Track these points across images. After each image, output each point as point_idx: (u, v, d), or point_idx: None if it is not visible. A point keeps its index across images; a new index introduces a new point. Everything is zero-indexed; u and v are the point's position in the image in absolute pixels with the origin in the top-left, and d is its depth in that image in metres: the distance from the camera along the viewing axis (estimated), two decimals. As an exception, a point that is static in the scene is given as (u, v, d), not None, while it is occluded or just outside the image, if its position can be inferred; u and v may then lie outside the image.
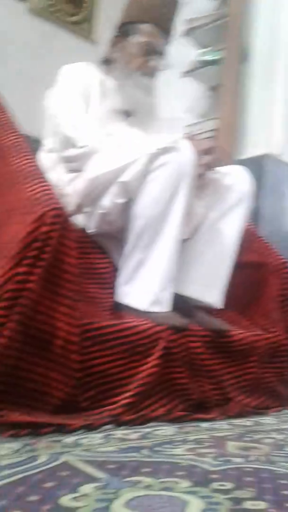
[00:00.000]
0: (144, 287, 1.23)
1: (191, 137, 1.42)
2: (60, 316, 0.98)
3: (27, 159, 1.12)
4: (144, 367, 1.10)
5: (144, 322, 1.15)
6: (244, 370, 1.34)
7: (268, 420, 1.21)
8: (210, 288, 1.41)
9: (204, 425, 1.08)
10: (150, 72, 1.54)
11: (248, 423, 1.14)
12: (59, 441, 0.83)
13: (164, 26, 1.52)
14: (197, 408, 1.19)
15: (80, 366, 1.01)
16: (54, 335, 0.98)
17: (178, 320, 1.20)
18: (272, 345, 1.45)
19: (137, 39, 1.51)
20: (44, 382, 0.96)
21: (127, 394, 1.05)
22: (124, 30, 1.54)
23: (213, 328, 1.29)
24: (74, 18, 2.62)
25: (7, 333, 0.91)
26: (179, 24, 2.53)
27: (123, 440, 0.87)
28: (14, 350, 0.93)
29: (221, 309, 1.45)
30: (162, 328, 1.15)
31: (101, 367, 1.05)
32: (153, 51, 1.52)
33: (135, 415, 1.04)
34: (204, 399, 1.20)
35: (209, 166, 1.39)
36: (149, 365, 1.10)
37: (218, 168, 1.50)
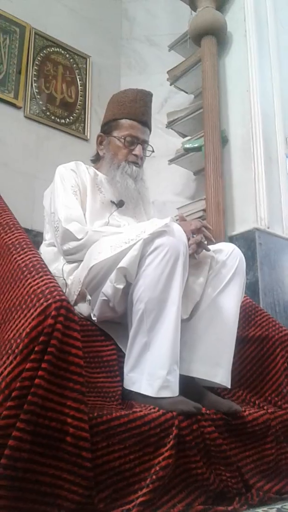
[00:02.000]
0: (151, 372, 1.21)
1: (181, 218, 1.49)
2: (69, 411, 0.95)
3: (30, 255, 1.15)
4: (158, 459, 1.05)
5: (154, 410, 1.12)
6: (261, 453, 1.28)
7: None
8: (217, 367, 1.39)
9: (227, 518, 1.02)
10: (136, 161, 1.66)
11: (271, 511, 1.08)
12: None
13: (141, 119, 1.68)
14: (217, 498, 1.12)
15: (92, 464, 0.96)
16: (63, 431, 0.94)
17: (189, 405, 1.17)
18: (287, 423, 1.40)
19: (119, 133, 1.66)
20: (57, 485, 0.92)
21: (143, 491, 1.00)
22: (107, 128, 1.70)
23: (225, 410, 1.25)
24: (66, 120, 2.82)
25: (16, 434, 0.88)
26: (162, 118, 2.74)
27: None
28: (24, 452, 0.89)
29: (230, 389, 1.43)
30: (173, 414, 1.12)
31: (114, 463, 1.01)
32: (135, 142, 1.65)
33: (154, 513, 0.98)
34: (223, 489, 1.14)
35: (201, 245, 1.44)
36: (163, 456, 1.05)
37: (210, 246, 1.55)
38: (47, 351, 0.95)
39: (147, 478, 1.03)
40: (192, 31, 2.65)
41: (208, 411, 1.21)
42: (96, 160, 1.77)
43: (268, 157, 2.47)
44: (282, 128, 2.60)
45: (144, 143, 1.69)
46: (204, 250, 1.46)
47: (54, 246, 1.58)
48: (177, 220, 1.48)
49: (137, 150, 1.65)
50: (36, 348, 0.95)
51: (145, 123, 1.69)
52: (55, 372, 0.96)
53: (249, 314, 1.66)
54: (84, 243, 1.44)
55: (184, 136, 2.81)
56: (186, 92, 2.89)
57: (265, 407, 1.41)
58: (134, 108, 1.66)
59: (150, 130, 1.73)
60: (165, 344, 1.22)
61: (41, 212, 1.74)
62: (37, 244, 1.73)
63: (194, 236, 1.43)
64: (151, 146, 1.73)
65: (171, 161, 2.72)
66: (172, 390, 1.20)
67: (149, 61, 3.15)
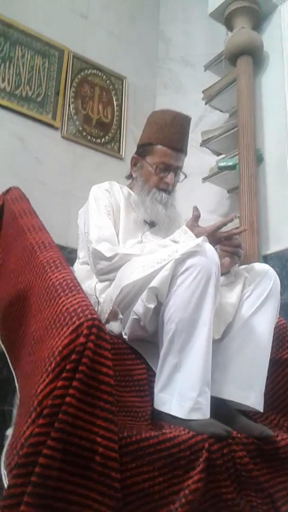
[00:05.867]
0: (181, 393, 1.21)
1: (195, 218, 1.49)
2: (98, 430, 0.96)
3: (64, 273, 1.17)
4: (188, 482, 1.04)
5: (184, 432, 1.11)
6: (294, 480, 1.25)
7: None
8: (249, 390, 1.36)
9: None
10: (166, 188, 1.66)
11: None
12: None
13: (176, 146, 1.65)
14: (248, 526, 1.10)
15: (121, 485, 0.96)
16: (93, 451, 0.95)
17: (220, 428, 1.16)
18: None
19: (152, 160, 1.66)
20: (85, 504, 0.92)
21: (172, 515, 0.99)
22: (142, 151, 1.70)
23: (257, 435, 1.23)
24: (102, 140, 2.88)
25: (47, 452, 0.89)
26: (197, 136, 2.76)
27: None
28: (54, 470, 0.90)
29: (262, 412, 1.40)
30: (204, 437, 1.11)
31: (143, 484, 1.00)
32: (167, 170, 1.65)
33: (182, 539, 0.97)
34: (254, 516, 1.11)
35: (233, 262, 1.44)
36: (192, 480, 1.04)
37: (243, 266, 1.54)
38: (78, 369, 0.96)
39: (176, 501, 1.02)
40: (228, 51, 2.67)
41: (239, 435, 1.19)
42: (130, 177, 1.79)
43: (304, 176, 2.44)
44: None
45: (177, 169, 1.68)
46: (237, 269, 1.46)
47: (88, 264, 1.60)
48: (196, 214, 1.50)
49: (169, 178, 1.65)
50: (67, 367, 0.96)
51: (180, 150, 1.67)
52: (86, 391, 0.96)
53: (283, 336, 1.62)
54: (115, 264, 1.46)
55: (218, 154, 2.82)
56: (221, 111, 2.90)
57: (299, 433, 1.37)
58: (170, 133, 1.64)
59: (186, 154, 1.71)
60: (196, 365, 1.21)
61: (76, 229, 1.77)
62: (72, 261, 1.77)
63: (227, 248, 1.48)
64: (183, 173, 1.72)
65: (205, 179, 2.73)
66: (203, 413, 1.19)
67: (184, 81, 3.19)
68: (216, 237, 1.46)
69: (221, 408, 1.32)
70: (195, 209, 1.52)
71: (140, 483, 1.00)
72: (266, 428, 1.27)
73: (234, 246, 1.49)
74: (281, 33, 2.64)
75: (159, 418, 1.24)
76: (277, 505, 1.17)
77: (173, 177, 1.66)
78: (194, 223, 1.50)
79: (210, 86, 2.83)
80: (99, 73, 2.99)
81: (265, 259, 2.32)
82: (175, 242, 1.47)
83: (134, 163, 1.73)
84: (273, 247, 2.36)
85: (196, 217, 1.51)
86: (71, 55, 2.87)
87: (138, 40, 3.24)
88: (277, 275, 1.51)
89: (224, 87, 2.75)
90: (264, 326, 1.44)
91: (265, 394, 1.39)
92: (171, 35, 3.34)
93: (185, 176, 1.73)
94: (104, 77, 3.01)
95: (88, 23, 3.03)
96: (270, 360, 1.43)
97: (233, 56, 2.66)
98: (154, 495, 1.01)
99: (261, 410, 1.37)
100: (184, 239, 1.44)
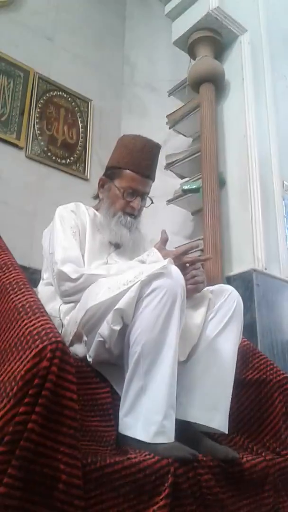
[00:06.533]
0: (146, 417, 1.19)
1: (163, 241, 1.51)
2: (62, 457, 0.93)
3: (27, 295, 1.15)
4: (153, 508, 1.02)
5: (150, 456, 1.09)
6: (259, 502, 1.25)
7: None
8: (214, 411, 1.37)
9: None
10: (132, 213, 1.67)
11: None
12: None
13: (144, 173, 1.67)
14: None
15: (85, 513, 0.93)
16: (56, 478, 0.92)
17: (185, 451, 1.15)
18: (285, 470, 1.37)
19: (120, 183, 1.67)
20: (47, 536, 0.89)
21: None
22: (110, 173, 1.71)
23: (222, 457, 1.22)
24: (67, 161, 2.88)
25: (8, 481, 0.86)
26: (162, 160, 2.80)
27: None
28: (14, 499, 0.86)
29: (227, 434, 1.40)
30: (169, 461, 1.09)
31: (107, 512, 0.98)
32: (134, 194, 1.66)
33: None
34: None
35: (197, 284, 1.46)
36: (158, 505, 1.02)
37: (207, 288, 1.56)
38: (41, 394, 0.93)
39: (141, 530, 1.00)
40: (191, 78, 2.75)
41: (204, 458, 1.19)
42: (96, 198, 1.79)
43: (265, 199, 2.51)
44: (279, 171, 2.66)
45: (144, 194, 1.69)
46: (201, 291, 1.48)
47: (52, 285, 1.58)
48: (164, 237, 1.51)
49: (135, 203, 1.66)
50: (30, 392, 0.93)
51: (148, 176, 1.69)
52: (49, 416, 0.94)
53: (247, 357, 1.64)
54: (80, 285, 1.44)
55: (182, 177, 2.87)
56: (185, 136, 2.97)
57: (263, 454, 1.38)
58: (140, 159, 1.66)
59: (153, 181, 1.73)
60: (162, 388, 1.20)
61: (40, 250, 1.75)
62: (35, 282, 1.73)
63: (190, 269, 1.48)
64: (150, 198, 1.74)
65: (169, 201, 2.77)
66: (168, 436, 1.18)
67: (149, 106, 3.26)
68: (181, 261, 1.47)
69: (186, 431, 1.31)
70: (163, 232, 1.54)
71: (105, 511, 0.97)
72: (231, 450, 1.27)
73: (197, 282, 1.49)
74: (241, 62, 2.75)
75: (124, 443, 1.22)
76: (242, 529, 1.16)
77: (139, 202, 1.67)
78: (162, 246, 1.51)
79: (174, 111, 2.90)
80: (65, 95, 3.02)
81: (229, 280, 2.36)
82: (143, 262, 1.47)
83: (101, 185, 1.74)
84: (236, 269, 2.41)
85: (164, 240, 1.53)
86: (37, 76, 2.88)
87: (103, 63, 3.29)
88: (240, 296, 1.53)
89: (187, 112, 2.82)
90: (228, 347, 1.45)
91: (230, 415, 1.40)
92: (136, 60, 3.41)
93: (152, 202, 1.75)
94: (69, 99, 3.04)
95: (54, 45, 3.06)
96: (235, 381, 1.43)
97: (196, 83, 2.74)
98: (119, 523, 0.98)
99: (226, 431, 1.37)
100: (152, 259, 1.45)
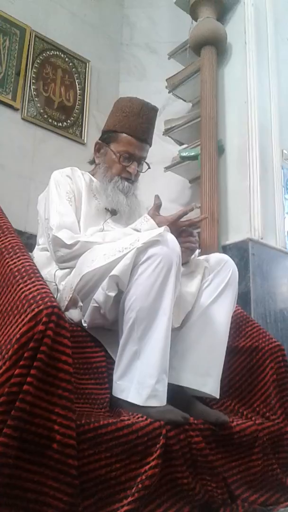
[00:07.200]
0: (139, 380, 1.21)
1: (156, 206, 1.50)
2: (56, 418, 0.95)
3: (22, 259, 1.15)
4: (145, 468, 1.05)
5: (142, 419, 1.12)
6: (248, 464, 1.29)
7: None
8: (207, 377, 1.39)
9: (212, 529, 1.02)
10: (129, 177, 1.65)
11: (257, 524, 1.08)
12: None
13: (141, 137, 1.64)
14: (203, 509, 1.12)
15: (78, 472, 0.96)
16: (50, 438, 0.94)
17: (177, 414, 1.18)
18: (274, 434, 1.41)
19: (116, 147, 1.64)
20: (42, 492, 0.91)
21: (129, 500, 1.00)
22: (106, 137, 1.68)
23: (213, 421, 1.25)
24: (64, 124, 2.82)
25: (3, 440, 0.88)
26: (160, 125, 2.75)
27: None
28: (10, 458, 0.89)
29: (218, 399, 1.43)
30: (161, 424, 1.12)
31: (100, 471, 1.01)
32: (131, 159, 1.64)
33: (138, 522, 0.98)
34: (209, 499, 1.14)
35: (189, 254, 1.46)
36: (149, 465, 1.05)
37: (203, 256, 1.56)
38: (36, 357, 0.95)
39: (133, 487, 1.03)
40: (192, 40, 2.67)
41: (196, 421, 1.22)
42: (93, 163, 1.76)
43: (264, 168, 2.48)
44: (279, 140, 2.62)
45: (140, 159, 1.67)
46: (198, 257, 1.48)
47: (47, 250, 1.58)
48: (157, 203, 1.49)
49: (132, 167, 1.63)
50: (25, 354, 0.95)
51: (145, 140, 1.66)
52: (44, 379, 0.95)
53: (240, 325, 1.66)
54: (76, 252, 1.44)
55: (180, 144, 2.83)
56: (184, 100, 2.91)
57: (253, 418, 1.42)
58: (136, 123, 1.63)
59: (151, 145, 1.70)
60: (155, 353, 1.22)
61: (35, 215, 1.74)
62: (30, 246, 1.73)
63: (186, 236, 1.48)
64: (146, 163, 1.71)
65: (167, 168, 2.74)
66: (160, 399, 1.20)
67: (148, 68, 3.17)
68: (177, 226, 1.47)
69: (178, 395, 1.34)
70: (157, 198, 1.52)
71: (98, 470, 1.01)
72: (222, 414, 1.30)
73: (191, 242, 1.49)
74: (244, 25, 2.66)
75: (117, 405, 1.25)
76: (231, 489, 1.20)
77: (136, 167, 1.65)
78: (155, 212, 1.50)
79: (174, 75, 2.83)
80: (62, 55, 2.93)
81: (224, 249, 2.36)
82: (137, 230, 1.46)
83: (97, 149, 1.71)
84: (232, 238, 2.40)
85: (158, 206, 1.51)
86: (33, 34, 2.78)
87: (102, 23, 3.18)
88: (235, 265, 1.54)
89: (188, 76, 2.75)
90: (222, 315, 1.46)
91: (222, 381, 1.43)
92: (135, 20, 3.30)
93: (149, 167, 1.72)
94: (66, 59, 2.95)
95: (51, 2, 2.95)
96: (227, 348, 1.46)
97: (197, 46, 2.66)
98: (111, 481, 1.02)
99: (217, 396, 1.40)
100: (146, 227, 1.44)
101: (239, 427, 1.30)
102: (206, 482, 1.16)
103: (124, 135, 1.63)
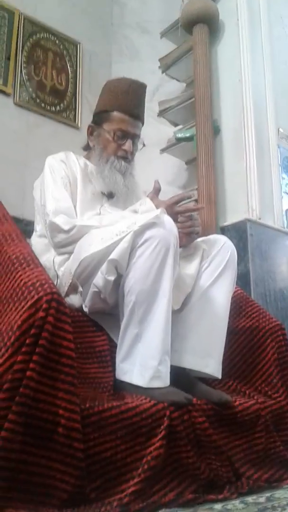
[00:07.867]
0: (142, 362, 1.22)
1: (156, 190, 1.49)
2: (60, 403, 0.96)
3: (20, 246, 1.14)
4: (150, 449, 1.06)
5: (146, 401, 1.13)
6: (251, 442, 1.30)
7: (281, 493, 1.16)
8: (208, 358, 1.40)
9: (217, 506, 1.03)
10: (125, 156, 1.63)
11: (261, 500, 1.10)
12: None
13: (132, 113, 1.63)
14: (208, 487, 1.14)
15: (84, 455, 0.97)
16: (55, 423, 0.95)
17: (180, 395, 1.18)
18: (276, 412, 1.42)
19: (109, 126, 1.62)
20: (49, 475, 0.92)
21: (135, 481, 1.01)
22: (98, 119, 1.67)
23: (216, 400, 1.26)
24: (57, 108, 2.79)
25: (8, 426, 0.88)
26: (154, 106, 2.72)
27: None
28: (16, 443, 0.89)
29: (220, 379, 1.44)
30: (165, 405, 1.13)
31: (106, 453, 1.01)
32: (125, 137, 1.62)
33: (145, 502, 0.99)
34: (214, 478, 1.16)
35: (191, 234, 1.45)
36: (154, 446, 1.06)
37: (201, 238, 1.56)
38: (38, 343, 0.95)
39: (138, 468, 1.04)
40: (184, 18, 2.63)
41: (199, 402, 1.23)
42: (87, 148, 1.75)
43: (260, 147, 2.47)
44: (274, 118, 2.60)
45: (135, 137, 1.65)
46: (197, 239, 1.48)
47: (45, 237, 1.57)
48: (157, 187, 1.49)
49: (127, 145, 1.62)
50: (27, 341, 0.95)
51: (137, 117, 1.64)
52: (46, 364, 0.96)
53: (240, 305, 1.67)
54: (73, 237, 1.43)
55: (176, 125, 2.80)
56: (178, 81, 2.87)
57: (255, 397, 1.43)
58: (126, 100, 1.61)
59: (143, 123, 1.69)
60: (156, 335, 1.22)
61: (32, 200, 1.72)
62: (28, 233, 1.72)
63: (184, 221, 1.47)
64: (142, 140, 1.69)
65: (162, 150, 2.71)
66: (163, 381, 1.21)
67: (140, 48, 3.12)
68: (174, 210, 1.45)
69: (181, 377, 1.34)
70: (156, 182, 1.51)
71: (103, 452, 1.01)
72: (224, 394, 1.31)
73: (191, 226, 1.49)
74: (236, 2, 2.61)
75: (121, 388, 1.25)
76: (235, 467, 1.21)
77: (131, 145, 1.63)
78: (154, 196, 1.49)
79: (166, 55, 2.79)
80: (52, 38, 2.87)
81: (223, 230, 2.35)
82: (135, 212, 1.45)
83: (90, 132, 1.69)
84: (230, 219, 2.40)
85: (157, 190, 1.50)
86: (22, 17, 2.73)
87: (92, 3, 3.12)
88: (234, 246, 1.53)
89: (180, 55, 2.71)
90: (221, 296, 1.46)
91: (223, 361, 1.44)
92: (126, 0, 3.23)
93: (144, 145, 1.70)
94: (57, 41, 2.89)
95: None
96: (228, 329, 1.46)
97: (189, 24, 2.61)
98: (117, 463, 1.03)
99: (220, 377, 1.41)
100: (144, 209, 1.43)
101: (242, 406, 1.31)
102: (210, 461, 1.17)
103: (116, 113, 1.62)
